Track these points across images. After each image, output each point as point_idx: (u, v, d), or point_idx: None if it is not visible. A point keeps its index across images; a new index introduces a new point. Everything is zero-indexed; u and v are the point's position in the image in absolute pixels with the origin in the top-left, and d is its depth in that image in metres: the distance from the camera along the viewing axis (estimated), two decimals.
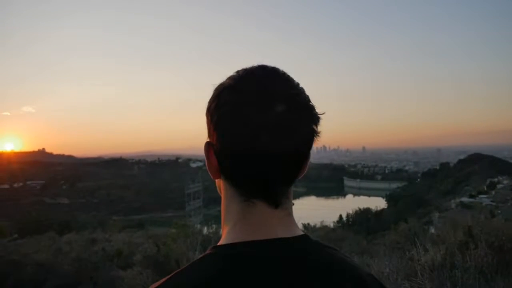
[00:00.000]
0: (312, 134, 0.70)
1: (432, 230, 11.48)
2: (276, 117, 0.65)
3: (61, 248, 13.73)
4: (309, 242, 0.71)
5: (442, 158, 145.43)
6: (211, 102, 0.70)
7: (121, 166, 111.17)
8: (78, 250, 12.48)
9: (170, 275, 0.66)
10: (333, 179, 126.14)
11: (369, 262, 5.43)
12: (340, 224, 43.23)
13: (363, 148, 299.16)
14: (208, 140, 0.72)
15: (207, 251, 0.68)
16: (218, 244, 0.69)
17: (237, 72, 0.71)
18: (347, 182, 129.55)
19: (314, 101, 0.70)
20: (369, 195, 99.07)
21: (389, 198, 78.40)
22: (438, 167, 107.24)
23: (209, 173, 0.74)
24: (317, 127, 0.70)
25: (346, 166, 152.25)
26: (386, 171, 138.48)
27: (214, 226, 17.69)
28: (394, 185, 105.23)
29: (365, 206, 56.67)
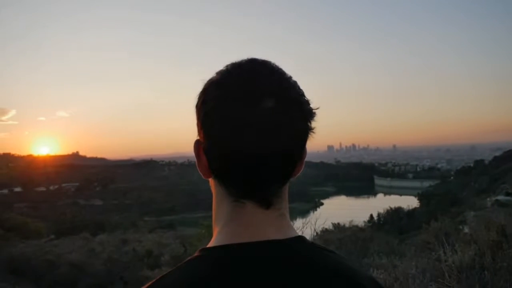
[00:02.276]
0: (305, 130, 0.65)
1: (466, 230, 11.13)
2: (263, 113, 0.61)
3: (94, 248, 14.14)
4: (303, 244, 0.67)
5: (476, 155, 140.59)
6: (199, 98, 0.67)
7: (152, 167, 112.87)
8: (109, 250, 12.83)
9: (156, 278, 0.63)
10: (363, 178, 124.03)
11: (396, 262, 5.32)
12: (370, 224, 42.53)
13: (394, 146, 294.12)
14: (197, 138, 0.69)
15: (195, 254, 0.65)
16: (207, 246, 0.66)
17: (226, 66, 0.67)
18: (378, 181, 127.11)
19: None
20: (400, 194, 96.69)
21: (422, 197, 76.39)
22: (472, 165, 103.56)
23: (200, 172, 0.70)
24: (310, 123, 0.66)
25: (376, 164, 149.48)
26: (418, 169, 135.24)
27: None
28: (426, 184, 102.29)
29: (397, 205, 55.44)
